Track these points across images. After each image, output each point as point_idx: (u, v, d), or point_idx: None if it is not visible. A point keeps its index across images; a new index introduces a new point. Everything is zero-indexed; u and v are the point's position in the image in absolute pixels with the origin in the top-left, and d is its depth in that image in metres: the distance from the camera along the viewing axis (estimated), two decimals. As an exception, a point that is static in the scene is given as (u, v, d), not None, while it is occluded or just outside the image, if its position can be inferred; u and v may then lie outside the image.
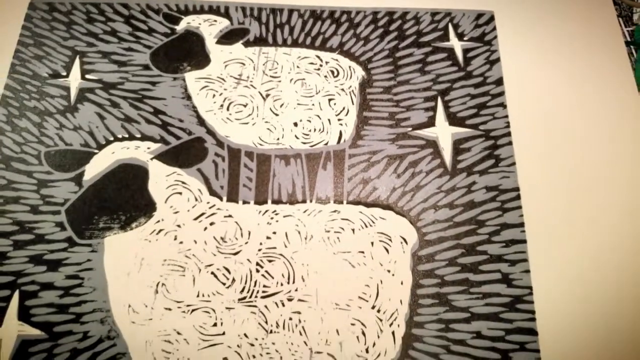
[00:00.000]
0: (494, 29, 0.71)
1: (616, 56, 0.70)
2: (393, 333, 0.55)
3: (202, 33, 0.70)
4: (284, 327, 0.55)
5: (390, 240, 0.59)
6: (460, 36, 0.71)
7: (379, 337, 0.55)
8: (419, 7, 0.72)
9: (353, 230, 0.60)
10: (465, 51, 0.70)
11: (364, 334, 0.55)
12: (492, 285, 0.58)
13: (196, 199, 0.61)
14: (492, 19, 0.72)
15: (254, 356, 0.54)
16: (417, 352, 0.55)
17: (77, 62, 0.68)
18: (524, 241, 0.60)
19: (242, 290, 0.56)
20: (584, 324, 0.56)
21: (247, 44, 0.70)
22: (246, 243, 0.59)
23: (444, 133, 0.65)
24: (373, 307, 0.56)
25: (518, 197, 0.62)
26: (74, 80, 0.67)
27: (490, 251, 0.59)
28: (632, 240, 0.60)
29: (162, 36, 0.70)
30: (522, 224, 0.60)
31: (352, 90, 0.67)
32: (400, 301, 0.57)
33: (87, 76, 0.67)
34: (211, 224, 0.59)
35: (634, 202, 0.62)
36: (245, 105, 0.66)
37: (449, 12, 0.72)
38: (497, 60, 0.69)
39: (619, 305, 0.57)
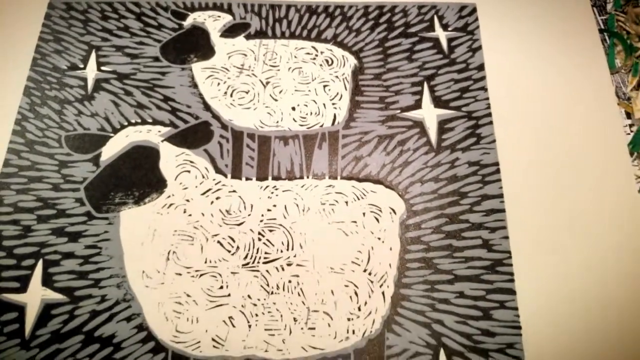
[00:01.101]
0: (476, 19, 0.77)
1: (590, 43, 0.76)
2: (383, 293, 0.61)
3: (207, 28, 0.76)
4: (283, 289, 0.61)
5: (380, 211, 0.65)
6: (444, 27, 0.77)
7: (370, 296, 0.61)
8: (406, 1, 0.78)
9: (346, 202, 0.65)
10: (450, 40, 0.76)
11: (356, 294, 0.61)
12: (474, 250, 0.63)
13: (203, 176, 0.67)
14: (474, 10, 0.78)
15: (256, 315, 0.59)
16: (405, 309, 0.60)
17: (93, 55, 0.74)
18: (503, 210, 0.65)
19: (246, 257, 0.62)
20: (561, 284, 0.61)
21: (248, 37, 0.76)
22: (249, 215, 0.64)
23: (429, 114, 0.71)
24: (365, 271, 0.62)
25: (497, 171, 0.67)
26: (91, 72, 0.73)
27: (471, 220, 0.65)
28: (604, 202, 0.65)
29: (170, 31, 0.76)
30: (501, 195, 0.66)
31: (345, 77, 0.73)
32: (390, 265, 0.62)
33: (103, 68, 0.74)
34: (217, 198, 0.65)
35: (603, 171, 0.67)
36: (247, 92, 0.72)
37: (434, 5, 0.78)
38: (479, 48, 0.75)
39: (593, 262, 0.62)
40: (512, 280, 0.61)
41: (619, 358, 0.58)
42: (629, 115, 0.72)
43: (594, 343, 0.58)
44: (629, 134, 0.70)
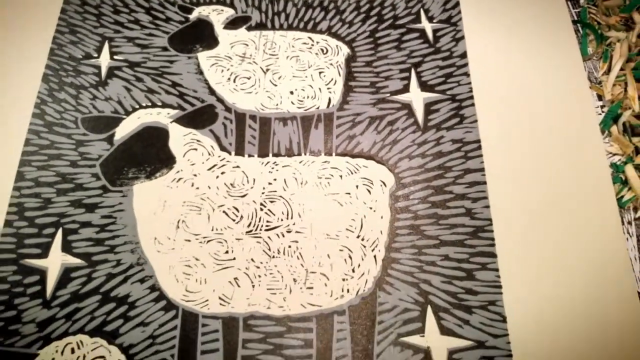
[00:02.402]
0: (459, 12, 0.84)
1: (565, 33, 0.82)
2: (375, 256, 0.66)
3: (211, 20, 0.82)
4: (284, 253, 0.66)
5: (372, 183, 0.71)
6: (430, 19, 0.83)
7: (363, 259, 0.66)
8: (395, -4, 0.85)
9: (341, 176, 0.71)
10: (435, 31, 0.82)
11: (350, 257, 0.66)
12: (458, 218, 0.69)
13: (209, 154, 0.72)
14: (457, 4, 0.84)
15: (259, 276, 0.65)
16: (395, 271, 0.66)
17: (106, 45, 0.81)
18: (484, 183, 0.71)
19: (249, 225, 0.68)
20: (539, 247, 0.67)
21: (249, 29, 0.83)
22: (252, 188, 0.70)
23: (416, 97, 0.77)
24: (358, 237, 0.67)
25: (479, 148, 0.73)
26: (104, 60, 0.79)
27: (455, 191, 0.70)
28: (577, 173, 0.71)
29: (177, 23, 0.83)
30: (482, 169, 0.72)
31: (339, 65, 0.80)
32: (381, 231, 0.68)
33: (115, 57, 0.80)
34: (222, 173, 0.71)
35: (577, 147, 0.73)
36: (248, 78, 0.78)
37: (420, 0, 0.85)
38: (462, 38, 0.82)
39: (566, 226, 0.68)
40: (492, 245, 0.67)
41: (593, 312, 0.64)
42: (600, 97, 0.78)
43: (569, 298, 0.64)
44: (600, 114, 0.77)
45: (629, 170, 0.72)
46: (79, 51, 0.80)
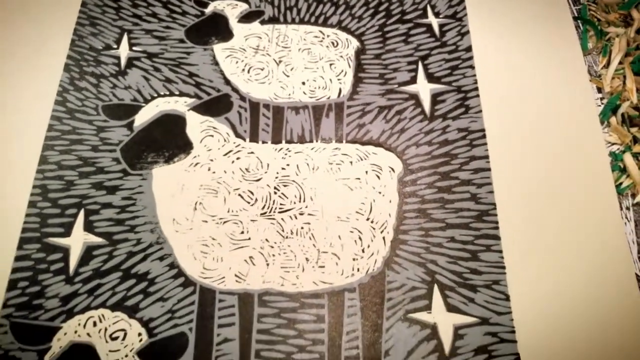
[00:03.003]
0: (464, 8, 0.87)
1: (566, 28, 0.86)
2: (384, 238, 0.69)
3: (226, 14, 0.86)
4: (297, 234, 0.69)
5: (381, 169, 0.74)
6: (436, 14, 0.87)
7: (372, 240, 0.69)
8: (402, -8, 0.89)
9: (351, 162, 0.74)
10: (441, 26, 0.86)
11: (360, 238, 0.69)
12: (463, 202, 0.72)
13: (225, 140, 0.75)
14: (462, 1, 0.88)
15: (273, 255, 0.68)
16: (403, 251, 0.69)
17: (125, 37, 0.84)
18: (489, 169, 0.74)
19: (263, 207, 0.71)
20: (542, 230, 0.70)
21: (262, 23, 0.86)
22: (266, 172, 0.73)
23: (423, 88, 0.80)
24: (367, 219, 0.70)
25: (484, 137, 0.76)
26: (123, 51, 0.83)
27: (461, 177, 0.74)
28: (577, 161, 0.74)
29: (193, 17, 0.86)
30: (487, 157, 0.75)
31: (349, 57, 0.83)
32: (389, 214, 0.71)
33: (134, 48, 0.83)
34: (237, 158, 0.74)
35: (578, 137, 0.76)
36: (262, 69, 0.82)
37: (427, -4, 0.88)
38: (467, 32, 0.85)
39: (566, 209, 0.71)
40: (497, 228, 0.70)
41: (592, 291, 0.66)
42: (599, 90, 0.81)
43: (570, 278, 0.67)
44: (599, 105, 0.80)
45: (627, 158, 0.75)
46: (99, 42, 0.83)
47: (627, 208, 0.73)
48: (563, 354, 0.63)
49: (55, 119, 0.77)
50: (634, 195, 0.73)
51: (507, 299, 0.66)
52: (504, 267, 0.68)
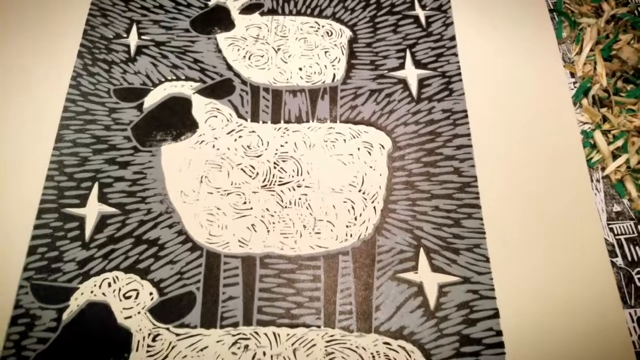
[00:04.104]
0: (449, 1, 0.94)
1: (542, 19, 0.93)
2: (374, 207, 0.76)
3: (228, 6, 0.92)
4: (295, 204, 0.75)
5: (372, 146, 0.80)
6: (423, 7, 0.94)
7: (364, 210, 0.75)
8: (392, -13, 0.96)
9: (344, 140, 0.81)
10: (427, 17, 0.93)
11: (353, 208, 0.75)
12: (447, 175, 0.78)
13: (228, 120, 0.82)
14: (447, -6, 0.95)
15: (273, 223, 0.74)
16: (392, 219, 0.75)
17: (134, 27, 0.90)
18: (470, 146, 0.80)
19: (264, 180, 0.77)
20: (519, 197, 0.77)
21: (262, 14, 0.92)
22: (266, 149, 0.79)
23: (411, 74, 0.87)
24: (359, 191, 0.77)
25: (466, 117, 0.83)
26: (133, 40, 0.89)
27: (445, 153, 0.80)
28: (551, 138, 0.81)
29: (198, 9, 0.92)
30: (469, 134, 0.81)
31: (342, 45, 0.90)
32: (380, 186, 0.77)
33: (142, 37, 0.89)
34: (240, 136, 0.80)
35: (552, 116, 0.83)
36: (262, 56, 0.88)
37: (414, -10, 0.95)
38: (451, 23, 0.92)
39: (539, 177, 0.78)
40: (477, 198, 0.77)
41: (564, 251, 0.73)
42: (572, 74, 0.89)
43: (544, 240, 0.74)
44: (572, 89, 0.87)
45: (597, 135, 0.82)
46: (109, 32, 0.90)
47: (597, 180, 0.80)
48: (538, 308, 0.69)
49: (69, 101, 0.82)
50: (603, 169, 0.80)
51: (487, 260, 0.72)
52: (484, 233, 0.74)
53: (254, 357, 0.65)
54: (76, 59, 0.86)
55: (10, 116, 0.81)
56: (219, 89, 0.84)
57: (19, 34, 0.89)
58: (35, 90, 0.83)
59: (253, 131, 0.81)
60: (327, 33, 0.90)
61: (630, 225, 0.77)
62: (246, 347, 0.66)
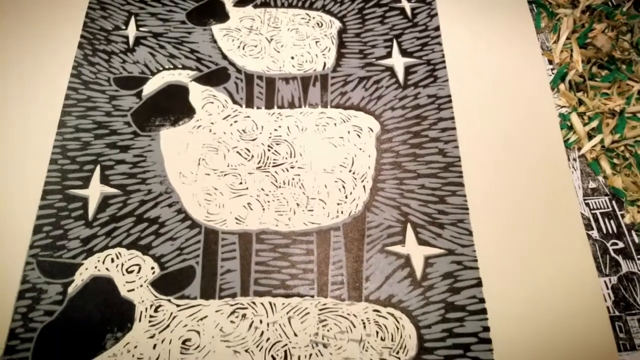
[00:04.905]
0: (433, -6, 0.99)
1: (522, 10, 0.98)
2: (364, 186, 0.80)
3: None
4: (288, 184, 0.79)
5: (361, 129, 0.84)
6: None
7: (354, 188, 0.80)
8: (379, -20, 1.00)
9: (335, 124, 0.85)
10: (413, 9, 0.97)
11: (344, 187, 0.79)
12: (432, 156, 0.83)
13: (224, 106, 0.86)
14: (431, -13, 1.00)
15: (268, 202, 0.78)
16: (381, 197, 0.79)
17: (132, 20, 0.94)
18: (454, 128, 0.85)
19: (259, 162, 0.81)
20: (502, 175, 0.81)
21: (255, 7, 0.97)
22: (260, 133, 0.83)
23: (398, 62, 0.91)
24: (350, 171, 0.81)
25: (450, 102, 0.87)
26: (131, 32, 0.93)
27: (430, 135, 0.84)
28: (532, 119, 0.86)
29: (193, 2, 0.97)
30: (452, 118, 0.86)
31: (333, 36, 0.94)
32: (369, 167, 0.81)
33: (141, 29, 0.93)
34: (235, 121, 0.84)
35: (531, 99, 0.88)
36: (255, 46, 0.92)
37: (400, -17, 1.00)
38: (436, 14, 0.97)
39: (520, 157, 0.82)
40: (461, 177, 0.81)
41: (542, 223, 0.77)
42: (550, 61, 0.94)
43: (523, 213, 0.78)
44: (550, 75, 0.92)
45: (574, 118, 0.87)
46: (109, 24, 0.93)
47: (574, 159, 0.85)
48: (519, 276, 0.74)
49: (71, 89, 0.86)
50: (579, 149, 0.85)
51: (470, 234, 0.76)
52: (467, 209, 0.78)
53: (251, 325, 0.69)
54: (77, 50, 0.90)
55: (16, 104, 0.84)
56: (214, 77, 0.88)
57: (24, 28, 0.92)
58: (39, 80, 0.87)
59: (248, 116, 0.85)
60: (318, 24, 0.95)
61: (605, 201, 0.82)
62: (244, 315, 0.69)
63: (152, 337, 0.68)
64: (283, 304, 0.70)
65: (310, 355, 0.67)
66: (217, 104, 0.85)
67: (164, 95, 0.85)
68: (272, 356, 0.67)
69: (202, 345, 0.67)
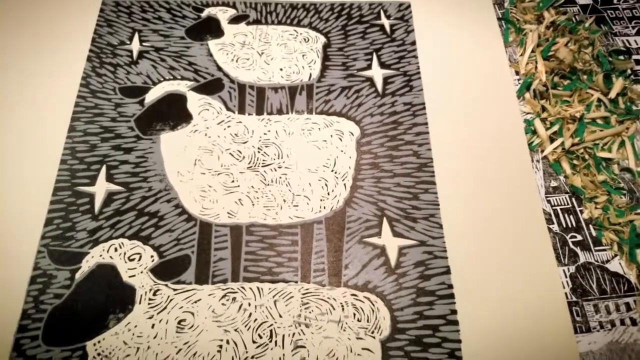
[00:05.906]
0: (410, 12, 1.08)
1: (491, 27, 1.07)
2: (345, 184, 0.88)
3: (218, 17, 1.06)
4: (276, 182, 0.87)
5: (343, 134, 0.93)
6: (388, 17, 1.08)
7: (336, 186, 0.88)
8: (360, 0, 1.10)
9: (319, 128, 0.93)
10: (392, 26, 1.07)
11: (326, 185, 0.88)
12: (407, 157, 0.91)
13: (218, 113, 0.94)
14: (409, 6, 1.09)
15: (258, 198, 0.86)
16: (360, 194, 0.87)
17: (136, 35, 1.03)
18: (427, 133, 0.93)
19: (249, 162, 0.89)
20: (471, 174, 0.89)
21: (248, 24, 1.06)
22: (251, 137, 0.92)
23: (377, 73, 1.00)
24: (332, 171, 0.89)
25: (424, 109, 0.96)
26: (135, 46, 1.02)
27: (405, 139, 0.93)
28: (498, 124, 0.94)
29: (191, 20, 1.06)
30: (426, 123, 0.94)
31: (318, 50, 1.03)
32: (349, 167, 0.90)
33: (144, 43, 1.02)
34: (228, 126, 0.93)
35: (498, 106, 0.96)
36: (247, 59, 1.01)
37: (380, 3, 1.10)
38: (412, 30, 1.06)
39: (488, 156, 0.90)
40: (433, 176, 0.89)
41: (508, 217, 0.85)
42: (517, 73, 1.02)
43: (490, 208, 0.86)
44: (517, 84, 1.01)
45: (537, 123, 0.95)
46: (114, 39, 1.03)
47: (537, 160, 0.93)
48: (484, 265, 0.81)
49: (80, 97, 0.95)
50: (542, 151, 0.93)
51: (441, 227, 0.84)
52: (438, 205, 0.86)
53: (240, 307, 0.76)
54: (86, 62, 0.99)
55: (31, 111, 0.93)
56: (210, 87, 0.97)
57: (37, 44, 1.01)
58: (51, 90, 0.96)
59: (240, 122, 0.93)
60: (305, 39, 1.04)
61: (565, 198, 0.90)
62: (234, 299, 0.77)
63: (150, 317, 0.75)
64: (269, 288, 0.78)
65: (294, 334, 0.75)
66: (212, 110, 0.94)
67: (164, 103, 0.94)
68: (259, 335, 0.74)
69: (195, 325, 0.75)
